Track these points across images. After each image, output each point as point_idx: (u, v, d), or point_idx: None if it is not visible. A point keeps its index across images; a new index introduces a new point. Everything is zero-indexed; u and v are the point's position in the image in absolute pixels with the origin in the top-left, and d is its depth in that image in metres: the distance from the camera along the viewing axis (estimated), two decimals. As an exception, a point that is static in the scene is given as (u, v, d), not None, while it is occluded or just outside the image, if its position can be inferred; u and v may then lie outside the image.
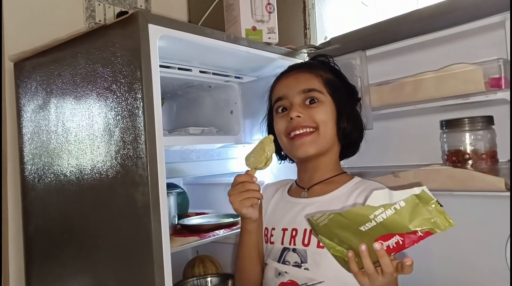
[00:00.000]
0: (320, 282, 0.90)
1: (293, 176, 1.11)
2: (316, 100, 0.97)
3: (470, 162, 1.03)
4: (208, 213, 1.48)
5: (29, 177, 1.18)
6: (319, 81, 0.99)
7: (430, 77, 1.04)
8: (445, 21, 1.02)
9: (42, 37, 1.25)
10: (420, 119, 1.17)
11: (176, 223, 1.28)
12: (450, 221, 0.68)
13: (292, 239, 0.95)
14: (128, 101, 0.90)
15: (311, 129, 0.95)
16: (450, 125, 1.07)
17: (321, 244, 0.82)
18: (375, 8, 1.59)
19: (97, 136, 0.98)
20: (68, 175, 1.06)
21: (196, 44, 1.01)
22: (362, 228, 0.71)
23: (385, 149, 1.22)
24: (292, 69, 1.05)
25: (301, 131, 0.95)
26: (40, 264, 1.19)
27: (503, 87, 0.93)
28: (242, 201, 0.91)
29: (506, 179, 0.91)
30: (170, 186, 1.37)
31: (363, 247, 0.72)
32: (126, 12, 1.11)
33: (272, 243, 1.00)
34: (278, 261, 0.96)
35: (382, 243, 0.71)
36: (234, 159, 1.46)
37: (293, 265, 0.94)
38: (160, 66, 0.93)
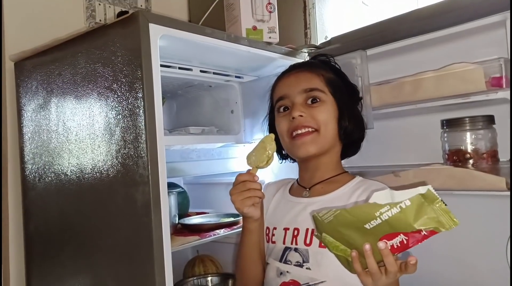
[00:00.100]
0: (322, 281, 0.90)
1: (294, 175, 1.11)
2: (318, 100, 0.97)
3: (470, 161, 1.03)
4: (208, 213, 1.48)
5: (30, 176, 1.18)
6: (320, 81, 0.99)
7: (430, 77, 1.04)
8: (445, 21, 1.02)
9: (42, 36, 1.25)
10: (420, 119, 1.17)
11: (177, 222, 1.28)
12: (455, 220, 0.68)
13: (294, 239, 0.95)
14: (129, 101, 0.90)
15: (312, 129, 0.95)
16: (450, 125, 1.07)
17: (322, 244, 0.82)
18: (375, 7, 1.59)
19: (97, 136, 0.98)
20: (69, 174, 1.06)
21: (197, 43, 1.01)
22: (367, 226, 0.71)
23: (386, 148, 1.22)
24: (294, 68, 1.05)
25: (303, 131, 0.95)
26: (41, 263, 1.19)
27: (503, 86, 0.93)
28: (244, 200, 0.91)
29: (507, 178, 0.91)
30: (171, 186, 1.37)
31: (367, 246, 0.72)
32: (126, 12, 1.11)
33: (273, 242, 0.99)
34: (280, 261, 0.96)
35: (386, 242, 0.71)
36: (235, 158, 1.46)
37: (294, 265, 0.94)
38: (161, 65, 0.93)
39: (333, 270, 0.88)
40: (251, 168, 0.95)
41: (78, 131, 1.03)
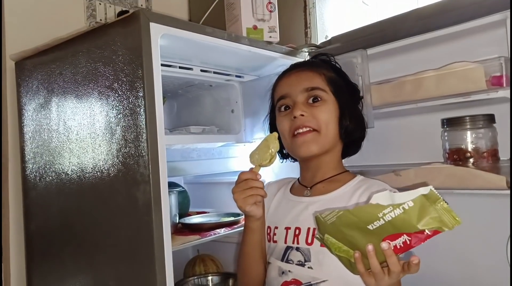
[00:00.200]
0: (324, 281, 0.90)
1: (294, 174, 1.11)
2: (319, 99, 0.97)
3: (471, 160, 1.03)
4: (209, 212, 1.48)
5: (30, 176, 1.19)
6: (322, 80, 0.99)
7: (431, 76, 1.04)
8: (446, 20, 1.02)
9: (43, 36, 1.25)
10: (421, 118, 1.17)
11: (177, 222, 1.28)
12: (457, 219, 0.68)
13: (295, 238, 0.95)
14: (130, 100, 0.90)
15: (313, 129, 0.95)
16: (451, 124, 1.07)
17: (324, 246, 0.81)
18: (375, 7, 1.59)
19: (98, 135, 0.98)
20: (70, 173, 1.06)
21: (197, 43, 1.01)
22: (370, 227, 0.71)
23: (386, 147, 1.22)
24: (295, 67, 1.05)
25: (304, 130, 0.95)
26: (41, 262, 1.19)
27: (504, 85, 0.93)
28: (246, 198, 0.91)
29: (507, 177, 0.91)
30: (171, 185, 1.37)
31: (370, 247, 0.72)
32: (127, 11, 1.11)
33: (275, 242, 0.99)
34: (282, 260, 0.96)
35: (389, 243, 0.71)
36: (235, 158, 1.47)
37: (296, 264, 0.94)
38: (162, 65, 0.93)
39: (335, 269, 0.88)
40: (253, 166, 0.95)
41: (78, 130, 1.03)
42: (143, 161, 0.88)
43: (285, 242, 0.97)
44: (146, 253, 0.89)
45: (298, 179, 1.07)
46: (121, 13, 1.41)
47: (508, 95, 0.93)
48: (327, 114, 0.96)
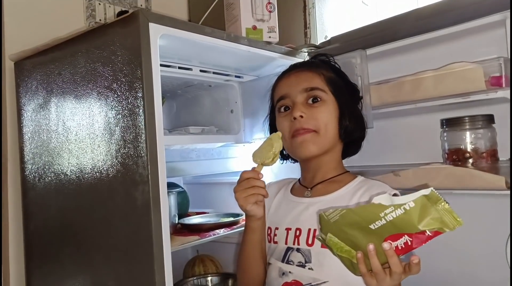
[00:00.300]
0: (324, 282, 0.90)
1: (294, 175, 1.11)
2: (318, 99, 0.97)
3: (470, 160, 1.03)
4: (208, 213, 1.48)
5: (30, 176, 1.18)
6: (321, 80, 0.98)
7: (430, 76, 1.04)
8: (445, 20, 1.02)
9: (42, 36, 1.25)
10: (420, 118, 1.17)
11: (177, 222, 1.28)
12: (459, 219, 0.68)
13: (296, 239, 0.95)
14: (129, 100, 0.90)
15: (312, 131, 0.95)
16: (450, 124, 1.07)
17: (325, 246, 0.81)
18: (375, 7, 1.59)
19: (97, 135, 0.98)
20: (69, 174, 1.06)
21: (197, 43, 1.01)
22: (372, 226, 0.71)
23: (386, 148, 1.22)
24: (294, 68, 1.05)
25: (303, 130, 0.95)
26: (41, 263, 1.19)
27: (503, 85, 0.93)
28: (247, 197, 0.91)
29: (506, 177, 0.91)
30: (171, 186, 1.37)
31: (371, 246, 0.72)
32: (126, 11, 1.11)
33: (275, 242, 0.99)
34: (282, 261, 0.96)
35: (391, 243, 0.71)
36: (234, 158, 1.47)
37: (297, 265, 0.93)
38: (161, 65, 0.93)
39: (335, 270, 0.87)
40: (256, 165, 0.95)
41: (78, 130, 1.03)
42: (142, 162, 0.88)
43: (286, 243, 0.97)
44: (145, 253, 0.88)
45: (299, 179, 1.07)
46: (121, 13, 1.40)
47: (507, 96, 0.93)
48: (326, 115, 0.96)
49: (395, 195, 0.78)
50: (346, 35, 1.24)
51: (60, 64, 1.08)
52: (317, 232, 0.91)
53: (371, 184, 0.97)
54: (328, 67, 1.04)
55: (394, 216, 0.69)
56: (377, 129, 1.13)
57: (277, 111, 1.03)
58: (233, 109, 1.43)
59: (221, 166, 1.44)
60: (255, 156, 0.96)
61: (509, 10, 0.91)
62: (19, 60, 1.23)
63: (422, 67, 1.08)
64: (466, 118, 1.04)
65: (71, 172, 1.05)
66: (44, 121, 1.13)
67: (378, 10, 1.57)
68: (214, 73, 1.30)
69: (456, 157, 1.05)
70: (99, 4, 1.50)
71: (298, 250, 0.94)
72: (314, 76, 0.99)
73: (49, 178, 1.12)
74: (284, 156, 1.07)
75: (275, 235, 1.00)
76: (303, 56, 1.27)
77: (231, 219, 1.30)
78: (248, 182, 0.91)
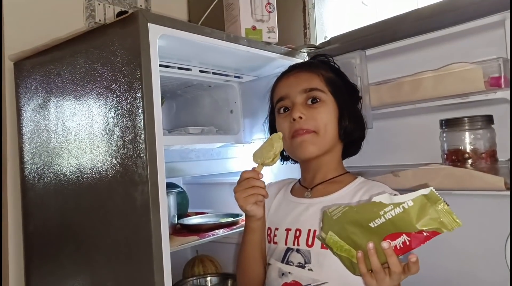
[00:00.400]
0: (324, 283, 0.89)
1: (293, 176, 1.11)
2: (318, 100, 0.97)
3: (469, 161, 1.03)
4: (207, 213, 1.48)
5: (29, 176, 1.18)
6: (320, 80, 0.98)
7: (429, 77, 1.04)
8: (444, 20, 1.02)
9: (42, 36, 1.25)
10: (419, 119, 1.17)
11: (176, 222, 1.28)
12: (458, 221, 0.68)
13: (296, 240, 0.95)
14: (128, 101, 0.90)
15: (311, 132, 0.95)
16: (449, 124, 1.07)
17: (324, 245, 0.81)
18: (375, 7, 1.59)
19: (96, 136, 0.98)
20: (68, 174, 1.06)
21: (196, 43, 1.01)
22: (371, 225, 0.71)
23: (385, 148, 1.22)
24: (293, 68, 1.04)
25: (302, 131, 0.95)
26: (40, 263, 1.19)
27: (502, 86, 0.93)
28: (247, 197, 0.91)
29: (505, 178, 0.91)
30: (170, 186, 1.37)
31: (371, 244, 0.72)
32: (126, 12, 1.11)
33: (275, 243, 0.99)
34: (282, 262, 0.96)
35: (389, 242, 0.71)
36: (234, 158, 1.47)
37: (296, 266, 0.93)
38: (160, 65, 0.93)
39: (335, 271, 0.87)
40: (256, 165, 0.95)
41: (77, 131, 1.03)
42: (141, 162, 0.88)
43: (286, 244, 0.96)
44: (144, 253, 0.88)
45: (299, 180, 1.07)
46: (120, 13, 1.41)
47: (507, 96, 0.93)
48: (325, 115, 0.96)
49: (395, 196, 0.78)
50: (345, 36, 1.24)
51: (59, 65, 1.08)
52: (317, 232, 0.91)
53: (371, 185, 0.96)
54: (327, 67, 1.04)
55: (393, 214, 0.70)
56: (376, 129, 1.13)
57: (276, 112, 1.03)
58: (232, 109, 1.43)
59: (220, 166, 1.44)
60: (255, 156, 0.96)
61: (509, 11, 0.91)
62: (19, 60, 1.23)
63: (422, 68, 1.08)
64: (466, 118, 1.04)
65: (70, 172, 1.05)
66: (43, 121, 1.13)
67: (378, 11, 1.57)
68: (213, 73, 1.30)
69: (456, 157, 1.05)
70: (99, 4, 1.50)
71: (298, 250, 0.94)
72: (313, 77, 0.99)
73: (49, 178, 1.12)
74: (284, 157, 1.07)
75: (275, 235, 1.00)
76: (303, 57, 1.27)
77: (231, 219, 1.30)
78: (248, 182, 0.91)
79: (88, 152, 1.00)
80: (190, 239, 1.14)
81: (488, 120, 1.03)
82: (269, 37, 1.22)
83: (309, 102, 0.97)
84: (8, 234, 1.26)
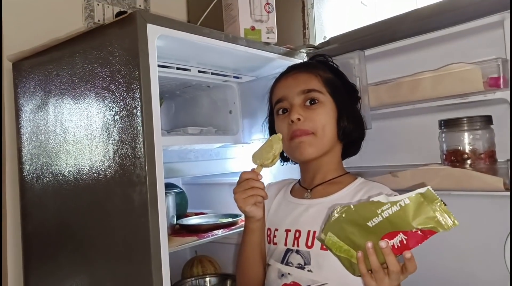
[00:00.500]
0: (324, 284, 0.89)
1: (292, 176, 1.11)
2: (316, 101, 0.96)
3: (468, 161, 1.03)
4: (206, 213, 1.48)
5: (28, 177, 1.18)
6: (318, 81, 0.98)
7: (428, 77, 1.04)
8: (443, 21, 1.02)
9: (40, 37, 1.25)
10: (418, 119, 1.17)
11: (175, 223, 1.28)
12: (455, 221, 0.68)
13: (296, 241, 0.95)
14: (126, 101, 0.90)
15: (310, 132, 0.95)
16: (448, 125, 1.07)
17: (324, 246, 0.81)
18: (374, 8, 1.59)
19: (95, 136, 0.98)
20: (67, 175, 1.06)
21: (195, 43, 1.01)
22: (369, 224, 0.72)
23: (384, 149, 1.22)
24: (291, 69, 1.04)
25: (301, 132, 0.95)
26: (39, 263, 1.19)
27: (501, 86, 0.93)
28: (246, 198, 0.91)
29: (504, 178, 0.91)
30: (169, 186, 1.36)
31: (370, 244, 0.72)
32: (125, 12, 1.11)
33: (275, 244, 0.99)
34: (281, 262, 0.96)
35: (387, 241, 0.71)
36: (233, 159, 1.46)
37: (296, 267, 0.93)
38: (159, 65, 0.93)
39: (334, 273, 0.87)
40: (256, 167, 0.94)
41: (75, 131, 1.03)
42: (139, 163, 0.88)
43: (285, 245, 0.96)
44: (142, 254, 0.88)
45: (299, 180, 1.07)
46: (119, 13, 1.41)
47: (506, 97, 0.93)
48: (324, 117, 0.96)
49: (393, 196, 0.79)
50: (344, 36, 1.24)
51: (58, 65, 1.08)
52: (317, 233, 0.91)
53: (371, 186, 0.96)
54: (326, 67, 1.04)
55: (390, 212, 0.70)
56: (375, 130, 1.13)
57: (275, 114, 1.02)
58: (231, 109, 1.42)
59: (219, 166, 1.43)
60: (255, 157, 0.96)
61: (508, 11, 0.91)
62: (17, 60, 1.23)
63: (421, 68, 1.08)
64: (464, 119, 1.04)
65: (69, 173, 1.05)
66: (42, 121, 1.13)
67: (377, 11, 1.57)
68: (212, 73, 1.30)
69: (454, 158, 1.05)
70: (98, 4, 1.50)
71: (297, 251, 0.94)
72: (311, 78, 0.99)
73: (47, 178, 1.12)
74: (284, 158, 1.07)
75: (274, 236, 1.00)
76: (302, 57, 1.27)
77: (230, 219, 1.30)
78: (247, 183, 0.91)
79: (87, 153, 1.00)
80: (189, 239, 1.14)
81: (487, 120, 1.03)
82: (268, 38, 1.22)
83: (307, 103, 0.97)
84: (7, 235, 1.26)
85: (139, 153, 0.88)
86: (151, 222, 0.87)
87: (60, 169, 1.08)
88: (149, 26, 0.89)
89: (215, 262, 1.54)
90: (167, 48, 1.01)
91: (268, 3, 1.23)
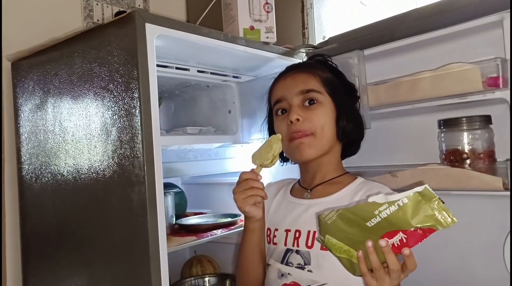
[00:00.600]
0: (324, 284, 0.89)
1: (292, 176, 1.11)
2: (315, 101, 0.96)
3: (467, 161, 1.03)
4: (206, 213, 1.48)
5: (27, 176, 1.18)
6: (317, 81, 0.98)
7: (427, 77, 1.04)
8: (443, 20, 1.02)
9: (39, 36, 1.24)
10: (418, 119, 1.17)
11: (174, 222, 1.28)
12: (453, 218, 0.68)
13: (296, 241, 0.95)
14: (125, 101, 0.90)
15: (309, 133, 0.95)
16: (448, 125, 1.07)
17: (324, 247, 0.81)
18: (373, 7, 1.59)
19: (94, 136, 0.98)
20: (65, 174, 1.06)
21: (194, 43, 1.01)
22: (368, 224, 0.72)
23: (383, 148, 1.22)
24: (290, 69, 1.04)
25: (300, 133, 0.95)
26: (37, 263, 1.19)
27: (500, 86, 0.93)
28: (246, 199, 0.91)
29: (503, 178, 0.91)
30: (168, 186, 1.36)
31: (370, 243, 0.72)
32: (124, 12, 1.11)
33: (275, 244, 0.99)
34: (281, 262, 0.96)
35: (387, 240, 0.71)
36: (232, 159, 1.46)
37: (296, 267, 0.93)
38: (158, 65, 0.93)
39: (334, 273, 0.87)
40: (255, 167, 0.94)
41: (74, 131, 1.03)
42: (138, 162, 0.88)
43: (285, 245, 0.96)
44: (141, 254, 0.88)
45: (298, 180, 1.07)
46: (118, 13, 1.41)
47: (505, 96, 0.93)
48: (323, 117, 0.96)
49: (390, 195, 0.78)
50: (344, 36, 1.24)
51: (56, 65, 1.08)
52: (317, 234, 0.91)
53: (371, 185, 0.96)
54: (325, 67, 1.04)
55: (388, 213, 0.70)
56: (374, 129, 1.13)
57: (274, 114, 1.02)
58: (231, 109, 1.42)
59: (218, 166, 1.43)
60: (254, 157, 0.96)
61: (507, 10, 0.91)
62: (16, 60, 1.22)
63: (420, 68, 1.08)
64: (464, 118, 1.04)
65: (67, 172, 1.05)
66: (41, 121, 1.13)
67: (376, 11, 1.57)
68: (211, 73, 1.30)
69: (454, 157, 1.05)
70: (97, 4, 1.50)
71: (297, 252, 0.94)
72: (310, 78, 0.98)
73: (46, 178, 1.12)
74: (284, 158, 1.07)
75: (274, 236, 1.00)
76: (301, 57, 1.27)
77: (229, 219, 1.30)
78: (247, 183, 0.91)
79: (85, 152, 1.00)
80: (188, 239, 1.14)
81: (486, 120, 1.03)
82: (267, 37, 1.22)
83: (306, 103, 0.97)
84: (6, 234, 1.26)
85: (138, 152, 0.88)
86: (150, 221, 0.87)
87: (59, 168, 1.08)
88: (148, 26, 0.89)
89: (214, 262, 1.54)
90: (166, 48, 1.01)
91: (267, 3, 1.23)
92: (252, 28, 1.21)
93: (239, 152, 1.47)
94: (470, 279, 1.06)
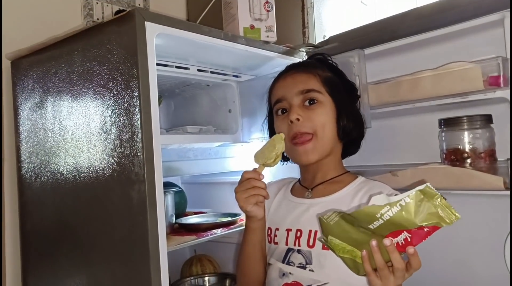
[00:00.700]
0: (325, 283, 0.89)
1: (292, 175, 1.11)
2: (315, 101, 0.96)
3: (468, 160, 1.02)
4: (206, 212, 1.48)
5: (26, 175, 1.18)
6: (317, 81, 0.98)
7: (428, 76, 1.04)
8: (443, 19, 1.02)
9: (39, 35, 1.24)
10: (418, 118, 1.17)
11: (174, 222, 1.27)
12: (456, 214, 0.68)
13: (297, 240, 0.94)
14: (125, 99, 0.90)
15: (310, 134, 0.94)
16: (448, 124, 1.06)
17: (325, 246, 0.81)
18: (374, 6, 1.58)
19: (93, 134, 0.98)
20: (65, 173, 1.06)
21: (194, 42, 1.01)
22: (371, 226, 0.71)
23: (384, 148, 1.22)
24: (290, 69, 1.04)
25: (302, 138, 0.94)
26: (37, 262, 1.18)
27: (501, 85, 0.93)
28: (248, 198, 0.91)
29: (504, 178, 0.91)
30: (168, 185, 1.36)
31: (374, 242, 0.72)
32: (124, 10, 1.11)
33: (276, 243, 0.99)
34: (283, 262, 0.95)
35: (391, 240, 0.71)
36: (232, 158, 1.46)
37: (297, 266, 0.93)
38: (158, 64, 0.93)
39: (336, 272, 0.87)
40: (258, 166, 0.94)
41: (74, 130, 1.03)
42: (138, 161, 0.87)
43: (286, 244, 0.96)
44: (141, 253, 0.88)
45: (299, 179, 1.07)
46: (118, 12, 1.40)
47: (506, 96, 0.93)
48: (323, 116, 0.95)
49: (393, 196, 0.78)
50: (344, 35, 1.24)
51: (56, 63, 1.08)
52: (319, 234, 0.91)
53: (372, 185, 0.96)
54: (325, 66, 1.03)
55: (391, 214, 0.69)
56: (375, 129, 1.13)
57: (274, 114, 1.02)
58: (231, 108, 1.42)
59: (218, 165, 1.43)
60: (257, 156, 0.95)
61: (508, 10, 0.91)
62: (16, 59, 1.22)
63: (420, 67, 1.07)
64: (464, 118, 1.03)
65: (67, 171, 1.05)
66: (40, 120, 1.13)
67: (377, 10, 1.56)
68: (211, 72, 1.30)
69: (454, 157, 1.05)
70: (97, 3, 1.49)
71: (298, 251, 0.93)
72: (310, 77, 0.98)
73: (46, 177, 1.11)
74: (284, 158, 1.07)
75: (275, 235, 0.99)
76: (301, 56, 1.27)
77: (229, 219, 1.29)
78: (249, 182, 0.91)
79: (85, 151, 1.00)
80: (188, 238, 1.14)
81: (487, 119, 1.02)
82: (267, 36, 1.22)
83: (306, 103, 0.96)
84: (5, 233, 1.26)
85: (138, 151, 0.88)
86: (150, 220, 0.87)
87: (58, 167, 1.07)
88: (148, 24, 0.89)
89: (214, 261, 1.54)
90: (166, 47, 1.01)
91: (267, 2, 1.23)
92: (252, 27, 1.21)
93: (239, 151, 1.47)
94: (471, 278, 1.06)
